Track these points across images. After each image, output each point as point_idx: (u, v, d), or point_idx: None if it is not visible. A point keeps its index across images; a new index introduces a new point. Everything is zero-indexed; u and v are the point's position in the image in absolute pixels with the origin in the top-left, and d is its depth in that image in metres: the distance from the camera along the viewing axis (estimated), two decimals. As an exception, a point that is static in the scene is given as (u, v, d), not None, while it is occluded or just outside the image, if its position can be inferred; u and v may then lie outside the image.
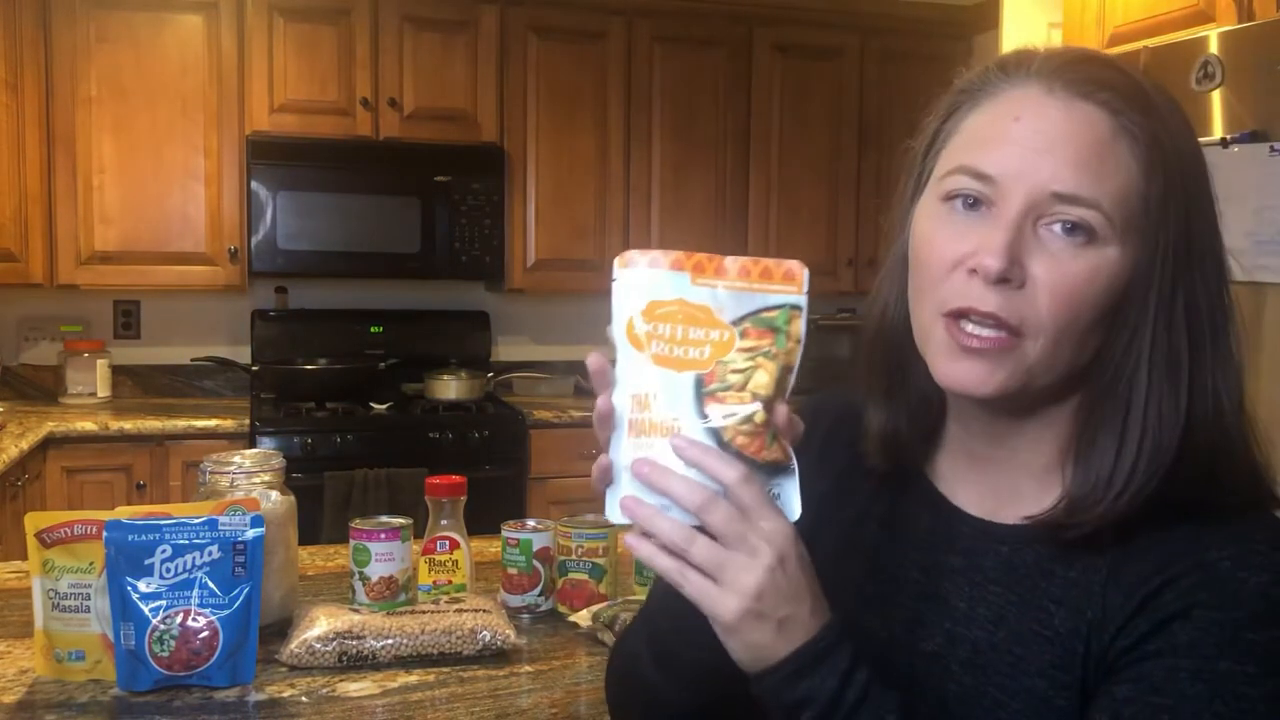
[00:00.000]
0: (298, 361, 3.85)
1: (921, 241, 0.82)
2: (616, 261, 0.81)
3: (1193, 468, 0.77)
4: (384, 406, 3.72)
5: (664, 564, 0.75)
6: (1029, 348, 0.77)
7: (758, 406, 0.76)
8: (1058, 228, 0.76)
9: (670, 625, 0.87)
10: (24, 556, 1.40)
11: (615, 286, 0.80)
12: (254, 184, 3.62)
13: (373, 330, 4.00)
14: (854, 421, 0.93)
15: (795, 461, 0.78)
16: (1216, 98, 2.27)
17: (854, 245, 4.17)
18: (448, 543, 1.57)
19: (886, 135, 4.12)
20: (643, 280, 0.79)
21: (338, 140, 3.70)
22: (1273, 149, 2.15)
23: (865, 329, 0.91)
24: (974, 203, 0.79)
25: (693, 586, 0.74)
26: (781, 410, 0.76)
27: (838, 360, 3.76)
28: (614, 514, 0.78)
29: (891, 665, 0.84)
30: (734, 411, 0.76)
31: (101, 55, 3.54)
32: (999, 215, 0.77)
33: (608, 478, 0.77)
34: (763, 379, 0.77)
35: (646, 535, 0.75)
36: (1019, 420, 0.84)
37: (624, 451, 0.78)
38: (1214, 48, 2.28)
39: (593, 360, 0.78)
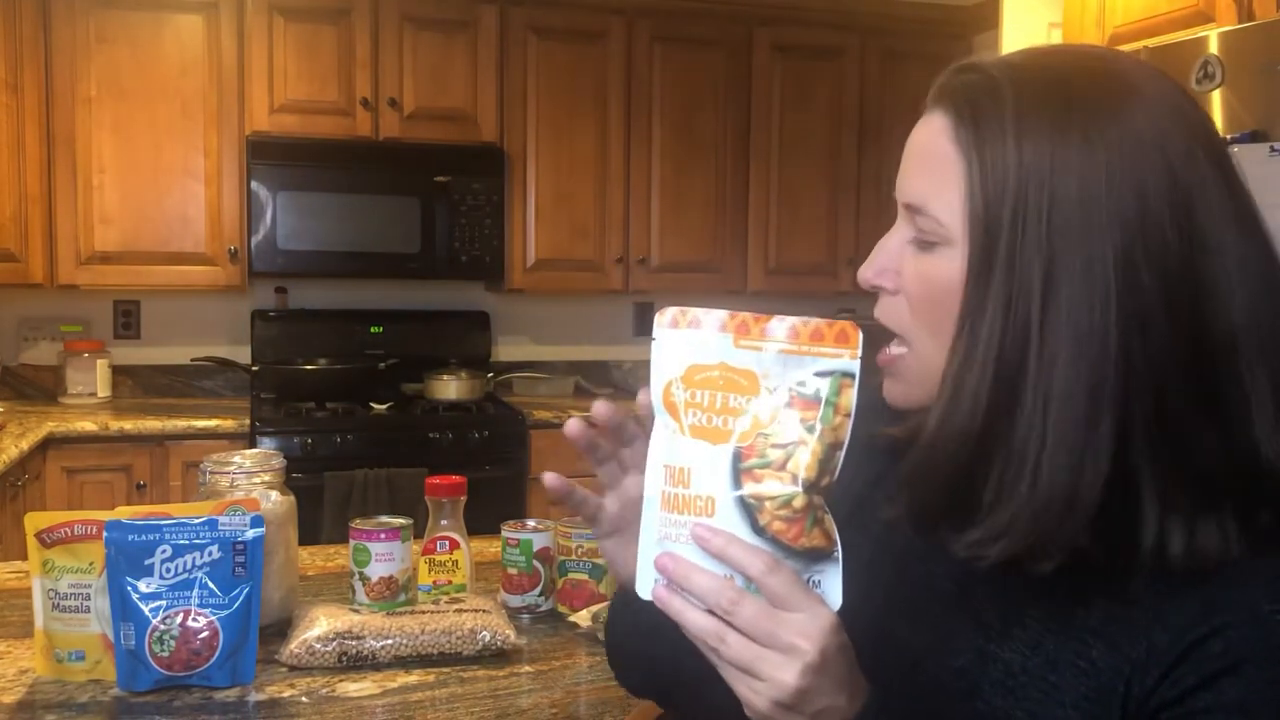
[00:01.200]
0: (298, 361, 3.85)
1: None
2: (657, 318, 0.76)
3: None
4: (384, 406, 3.72)
5: (706, 652, 0.74)
6: (911, 356, 0.82)
7: (797, 489, 0.72)
8: (916, 235, 0.80)
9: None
10: (24, 556, 1.40)
11: (655, 347, 0.76)
12: (254, 184, 3.62)
13: (373, 330, 4.00)
14: (882, 446, 0.91)
15: (840, 548, 0.74)
16: (1216, 98, 2.27)
17: (854, 245, 4.16)
18: (448, 543, 1.57)
19: (886, 135, 4.12)
20: (685, 342, 0.75)
21: (338, 140, 3.70)
22: (1273, 149, 2.15)
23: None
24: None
25: (728, 674, 0.73)
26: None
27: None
28: (644, 590, 0.76)
29: (920, 676, 0.82)
30: (773, 494, 0.72)
31: (101, 55, 3.54)
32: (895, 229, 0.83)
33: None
34: (805, 458, 0.72)
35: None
36: None
37: (656, 526, 0.75)
38: (1214, 48, 2.28)
39: (571, 427, 0.81)
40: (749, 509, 0.73)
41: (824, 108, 4.15)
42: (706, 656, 0.74)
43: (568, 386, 4.18)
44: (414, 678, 1.35)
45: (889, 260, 0.81)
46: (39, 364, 3.86)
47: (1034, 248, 0.72)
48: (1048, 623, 0.78)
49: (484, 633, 1.40)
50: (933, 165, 0.78)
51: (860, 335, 0.73)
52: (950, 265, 0.77)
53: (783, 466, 0.72)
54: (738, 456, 0.73)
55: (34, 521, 1.33)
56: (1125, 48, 2.69)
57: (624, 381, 4.30)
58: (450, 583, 1.57)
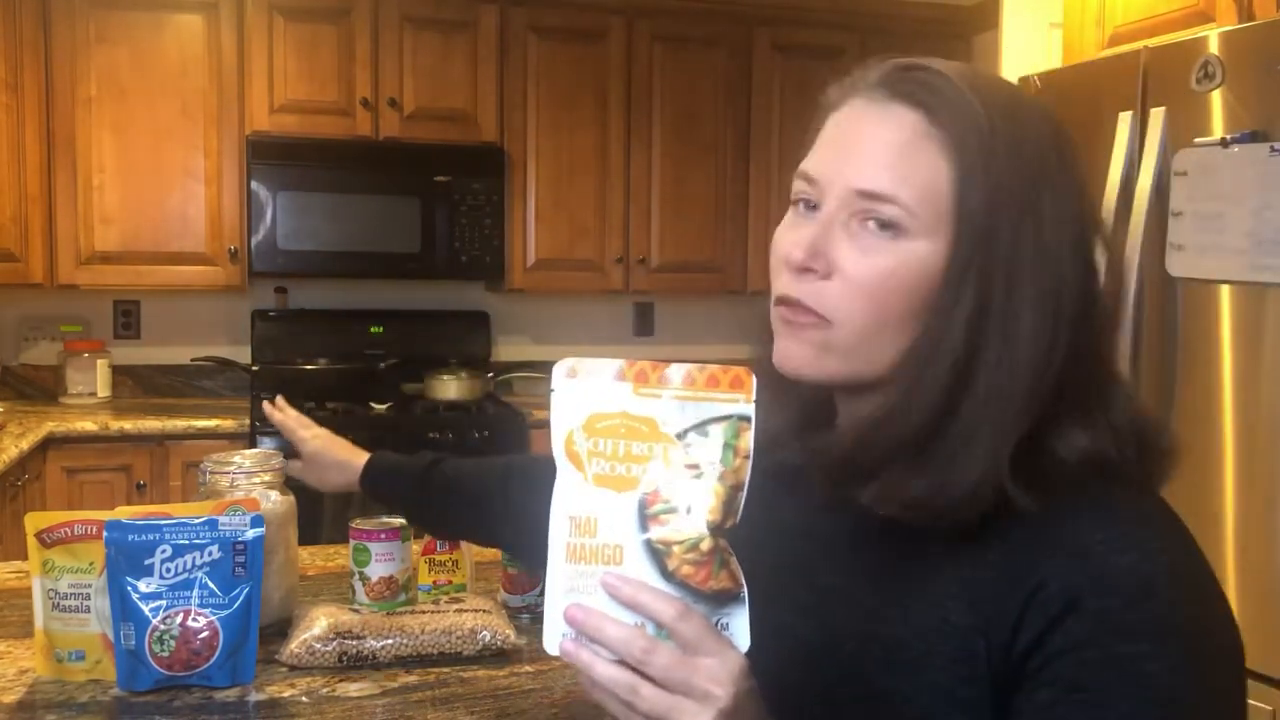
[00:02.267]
0: (298, 361, 3.85)
1: (773, 244, 0.88)
2: (555, 370, 0.77)
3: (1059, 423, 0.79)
4: (384, 406, 3.72)
5: (611, 706, 0.74)
6: (837, 334, 0.82)
7: (704, 533, 0.73)
8: (866, 223, 0.81)
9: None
10: (24, 556, 1.40)
11: (554, 398, 0.77)
12: (254, 184, 3.62)
13: (373, 330, 4.00)
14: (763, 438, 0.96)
15: (745, 588, 0.75)
16: (1216, 98, 2.27)
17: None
18: (448, 543, 1.57)
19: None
20: (584, 391, 0.76)
21: (338, 140, 3.70)
22: (1273, 149, 2.15)
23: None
24: (810, 205, 0.85)
25: None
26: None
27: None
28: (552, 645, 0.75)
29: (822, 670, 0.85)
30: (680, 538, 0.73)
31: (101, 55, 3.54)
32: (818, 215, 0.83)
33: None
34: (710, 502, 0.74)
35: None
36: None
37: (562, 578, 0.75)
38: (1214, 48, 2.28)
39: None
40: (657, 554, 0.73)
41: (824, 108, 4.14)
42: (612, 710, 0.74)
43: (568, 386, 4.17)
44: (414, 678, 1.35)
45: (822, 245, 0.82)
46: (39, 364, 3.86)
47: (1011, 252, 0.78)
48: (913, 595, 0.82)
49: (484, 633, 1.40)
50: (904, 158, 0.80)
51: (754, 381, 0.75)
52: (916, 256, 0.79)
53: (689, 510, 0.73)
54: (643, 504, 0.74)
55: (34, 521, 1.33)
56: (1125, 48, 2.69)
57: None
58: (450, 583, 1.57)
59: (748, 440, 0.75)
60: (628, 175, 4.00)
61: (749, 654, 0.75)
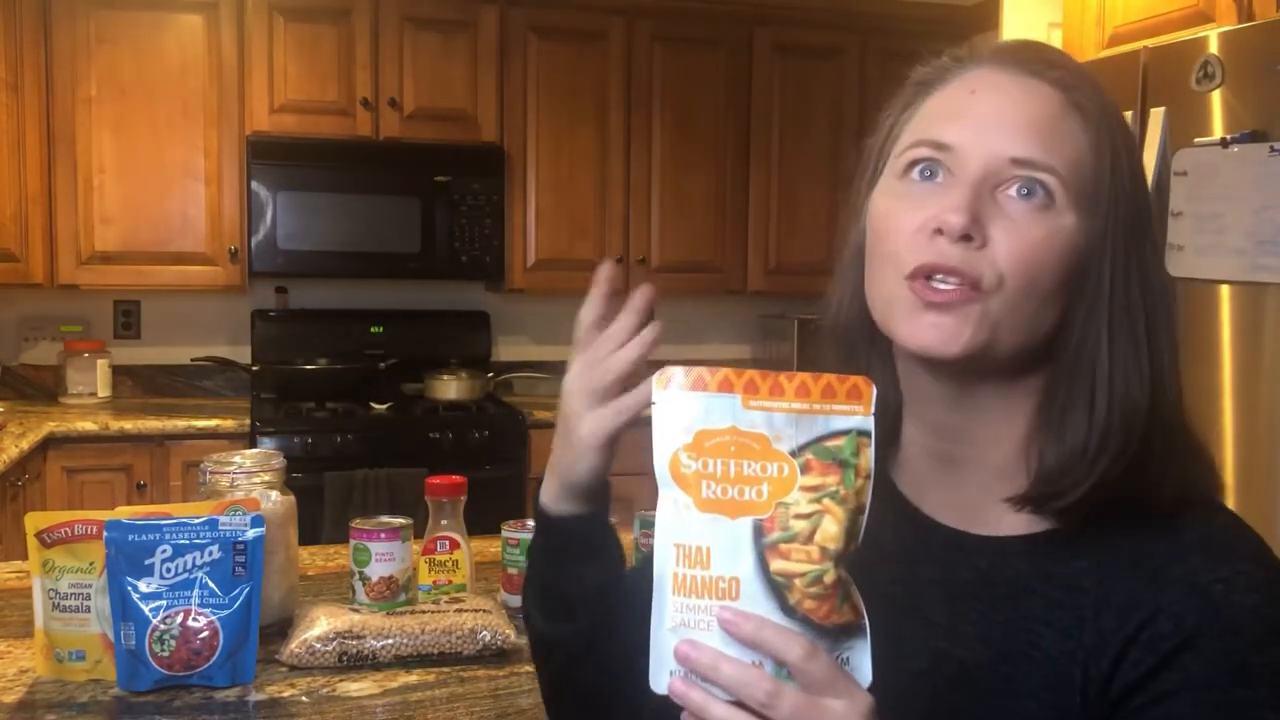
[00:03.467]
0: (298, 361, 3.84)
1: (880, 216, 0.82)
2: (654, 381, 0.70)
3: (1157, 451, 0.78)
4: (384, 406, 3.72)
5: None
6: (991, 304, 0.76)
7: (828, 565, 0.67)
8: (1015, 191, 0.77)
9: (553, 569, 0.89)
10: (24, 556, 1.40)
11: (656, 412, 0.70)
12: (254, 184, 3.62)
13: (373, 330, 4.00)
14: None
15: (867, 619, 0.69)
16: (1216, 98, 2.27)
17: (854, 245, 4.16)
18: (448, 543, 1.57)
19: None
20: (688, 406, 0.69)
21: (338, 140, 3.70)
22: (1273, 149, 2.15)
23: (821, 330, 0.90)
24: (931, 173, 0.80)
25: None
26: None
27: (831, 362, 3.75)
28: (659, 684, 0.69)
29: (880, 685, 0.83)
30: (803, 570, 0.67)
31: (101, 55, 3.54)
32: (959, 180, 0.78)
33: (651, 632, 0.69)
34: (831, 529, 0.67)
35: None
36: (977, 404, 0.82)
37: (669, 612, 0.68)
38: (1214, 48, 2.28)
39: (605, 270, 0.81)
40: (777, 587, 0.67)
41: (824, 108, 4.14)
42: None
43: (568, 386, 4.17)
44: (414, 677, 1.35)
45: (977, 212, 0.76)
46: (39, 364, 3.86)
47: (1130, 215, 0.80)
48: (993, 615, 0.79)
49: (484, 632, 1.40)
50: (1055, 130, 0.78)
51: (874, 391, 0.70)
52: (1065, 229, 0.78)
53: (809, 539, 0.67)
54: (759, 531, 0.67)
55: (34, 521, 1.33)
56: (1126, 48, 2.69)
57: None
58: (450, 583, 1.57)
59: (868, 457, 0.69)
60: (628, 175, 4.00)
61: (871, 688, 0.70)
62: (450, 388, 3.78)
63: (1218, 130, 2.26)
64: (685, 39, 4.03)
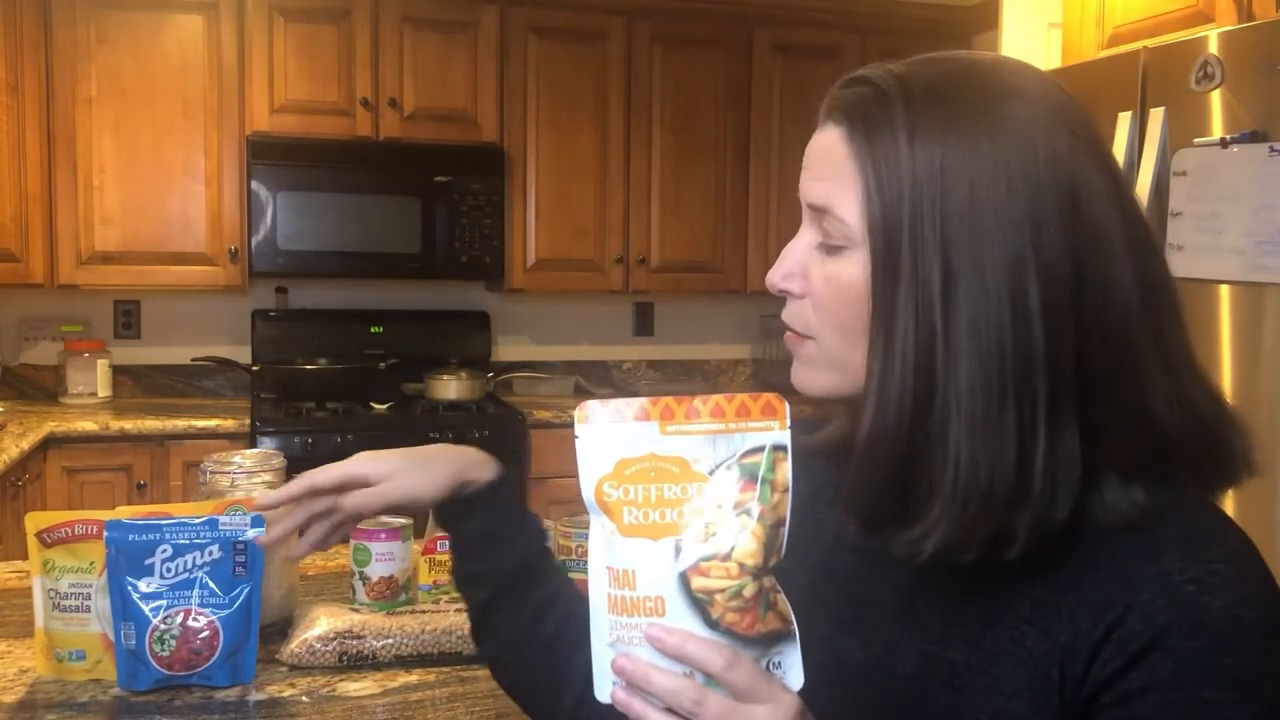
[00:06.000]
0: (298, 361, 3.85)
1: None
2: (576, 415, 0.74)
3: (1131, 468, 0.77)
4: (384, 406, 3.72)
5: None
6: (818, 349, 0.83)
7: (747, 580, 0.70)
8: (821, 237, 0.82)
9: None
10: (24, 556, 1.40)
11: (579, 445, 0.73)
12: (254, 184, 3.62)
13: (373, 330, 4.00)
14: (811, 452, 0.95)
15: (795, 624, 0.73)
16: (1216, 98, 2.27)
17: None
18: (448, 543, 1.57)
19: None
20: (608, 437, 0.73)
21: (338, 140, 3.70)
22: (1272, 149, 2.15)
23: None
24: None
25: None
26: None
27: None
28: (603, 694, 0.74)
29: (870, 688, 0.84)
30: (722, 587, 0.70)
31: (101, 55, 3.54)
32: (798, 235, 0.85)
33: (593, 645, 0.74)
34: (750, 546, 0.70)
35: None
36: None
37: (606, 630, 0.73)
38: (1214, 48, 2.28)
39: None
40: (700, 604, 0.70)
41: (824, 108, 4.14)
42: None
43: (568, 386, 4.18)
44: (414, 677, 1.35)
45: (795, 265, 0.84)
46: (39, 364, 3.87)
47: (932, 251, 0.74)
48: (984, 618, 0.80)
49: (484, 632, 1.40)
50: (832, 171, 0.81)
51: (787, 407, 0.73)
52: (855, 269, 0.79)
53: (728, 556, 0.70)
54: (679, 550, 0.71)
55: (34, 521, 1.33)
56: (1125, 48, 2.69)
57: (623, 382, 4.30)
58: (450, 583, 1.57)
59: (785, 472, 0.71)
60: (628, 175, 4.01)
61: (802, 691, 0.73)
62: (450, 388, 3.78)
63: (1217, 130, 2.26)
64: (685, 39, 4.03)
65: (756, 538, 0.70)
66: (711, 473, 0.71)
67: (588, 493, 0.73)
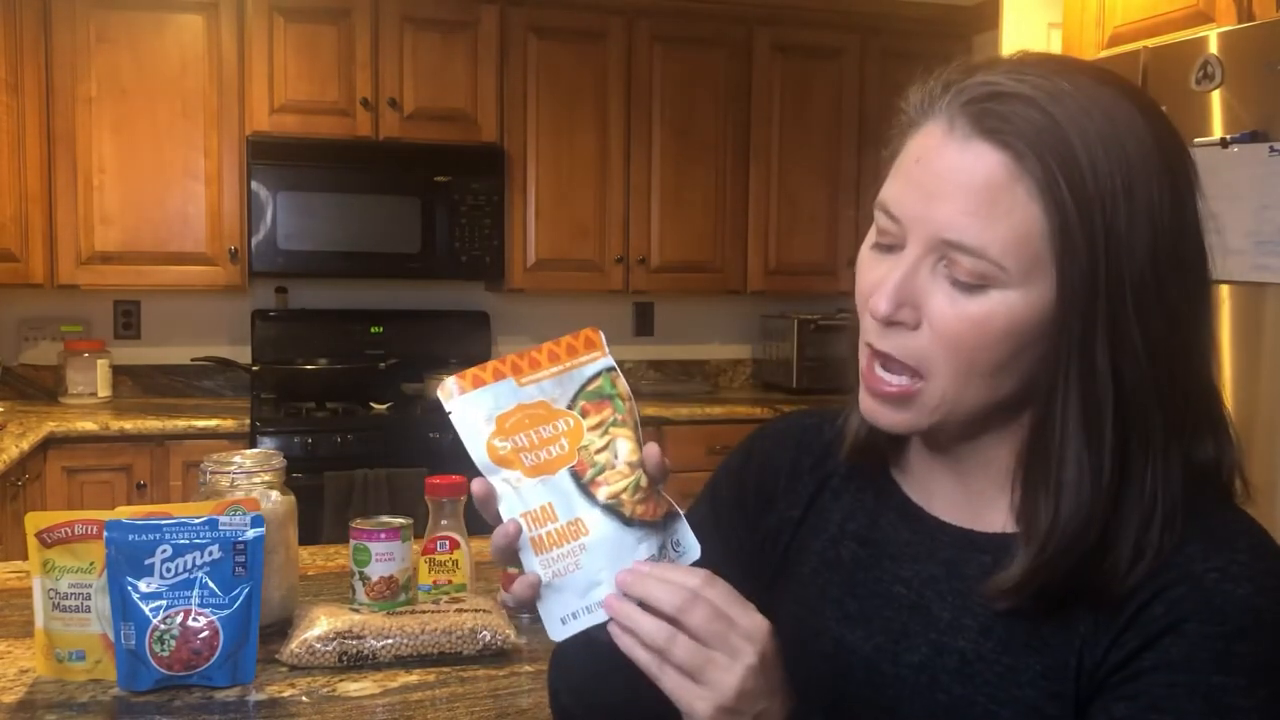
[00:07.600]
0: (298, 361, 3.85)
1: (857, 267, 0.86)
2: (441, 394, 0.81)
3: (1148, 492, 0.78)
4: (384, 406, 3.72)
5: (642, 657, 0.76)
6: (930, 389, 0.79)
7: (639, 474, 0.79)
8: (947, 272, 0.77)
9: (589, 675, 0.93)
10: (24, 556, 1.40)
11: (455, 419, 0.81)
12: (254, 184, 3.62)
13: (373, 330, 4.00)
14: (816, 443, 0.96)
15: (675, 505, 0.81)
16: (1216, 98, 2.27)
17: (854, 245, 4.07)
18: (448, 543, 1.57)
19: (886, 135, 4.11)
20: (478, 402, 0.81)
21: (338, 140, 3.70)
22: (1272, 149, 2.15)
23: (849, 328, 0.92)
24: (888, 246, 0.81)
25: (671, 682, 0.75)
26: (653, 453, 0.80)
27: (837, 360, 3.76)
28: (556, 631, 0.80)
29: (877, 676, 0.85)
30: (623, 487, 0.79)
31: (101, 55, 3.54)
32: (901, 259, 0.79)
33: (538, 594, 0.80)
34: (625, 447, 0.80)
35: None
36: (974, 431, 0.84)
37: (541, 572, 0.79)
38: (1214, 48, 2.28)
39: (479, 486, 0.80)
40: (613, 509, 0.79)
41: (824, 108, 4.14)
42: (647, 670, 0.76)
43: (568, 386, 4.18)
44: (414, 677, 1.35)
45: (906, 294, 0.78)
46: (39, 364, 3.86)
47: (1124, 314, 0.74)
48: (996, 607, 0.80)
49: (484, 632, 1.40)
50: (992, 204, 0.74)
51: (602, 336, 0.85)
52: (1008, 305, 0.75)
53: (616, 461, 0.79)
54: (575, 475, 0.79)
55: (34, 521, 1.33)
56: (1125, 48, 2.69)
57: (624, 381, 4.29)
58: (450, 583, 1.57)
59: (622, 383, 0.82)
60: (628, 175, 4.01)
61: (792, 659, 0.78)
62: (450, 388, 3.77)
63: (1217, 130, 2.26)
64: (685, 39, 4.03)
65: (629, 439, 0.80)
66: (569, 405, 0.81)
67: (480, 455, 0.80)
